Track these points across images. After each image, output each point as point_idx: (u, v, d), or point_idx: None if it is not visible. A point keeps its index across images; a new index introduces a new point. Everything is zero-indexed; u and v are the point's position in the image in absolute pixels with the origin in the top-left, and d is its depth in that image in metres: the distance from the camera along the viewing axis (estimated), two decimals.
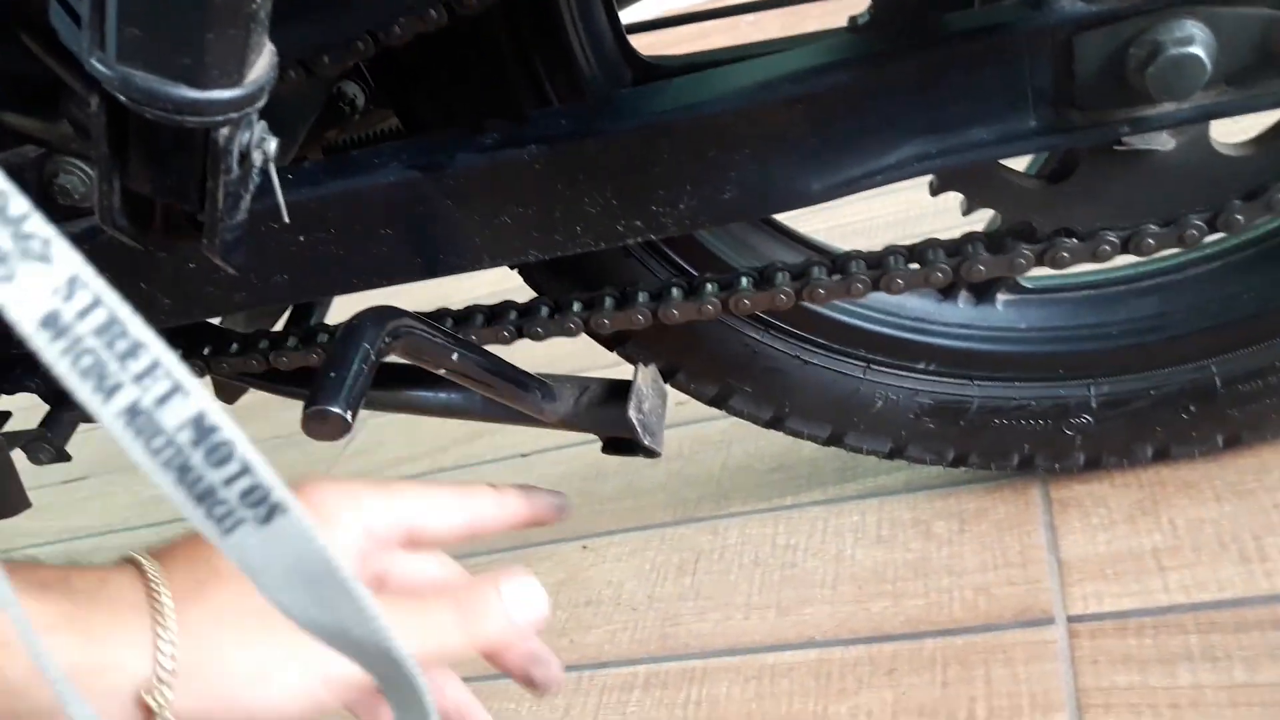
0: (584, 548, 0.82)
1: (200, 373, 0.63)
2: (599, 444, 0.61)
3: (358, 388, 0.43)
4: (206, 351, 0.61)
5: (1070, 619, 0.60)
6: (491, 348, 0.57)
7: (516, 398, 0.56)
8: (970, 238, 0.52)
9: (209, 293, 0.52)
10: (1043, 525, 0.67)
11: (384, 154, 0.47)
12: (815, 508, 0.75)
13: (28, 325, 0.20)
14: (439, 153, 0.47)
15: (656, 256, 0.58)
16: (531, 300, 0.58)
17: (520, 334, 0.58)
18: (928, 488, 0.73)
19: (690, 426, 0.89)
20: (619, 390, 0.58)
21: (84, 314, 0.20)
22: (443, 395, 0.62)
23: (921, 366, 0.63)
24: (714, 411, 0.69)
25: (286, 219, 0.37)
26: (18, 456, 0.68)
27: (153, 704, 0.33)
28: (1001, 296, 0.63)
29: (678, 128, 0.45)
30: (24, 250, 0.20)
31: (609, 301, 0.55)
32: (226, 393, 0.71)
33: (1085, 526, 0.65)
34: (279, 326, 0.67)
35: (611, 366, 0.64)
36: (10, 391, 0.65)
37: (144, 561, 0.36)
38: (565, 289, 0.59)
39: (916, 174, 0.46)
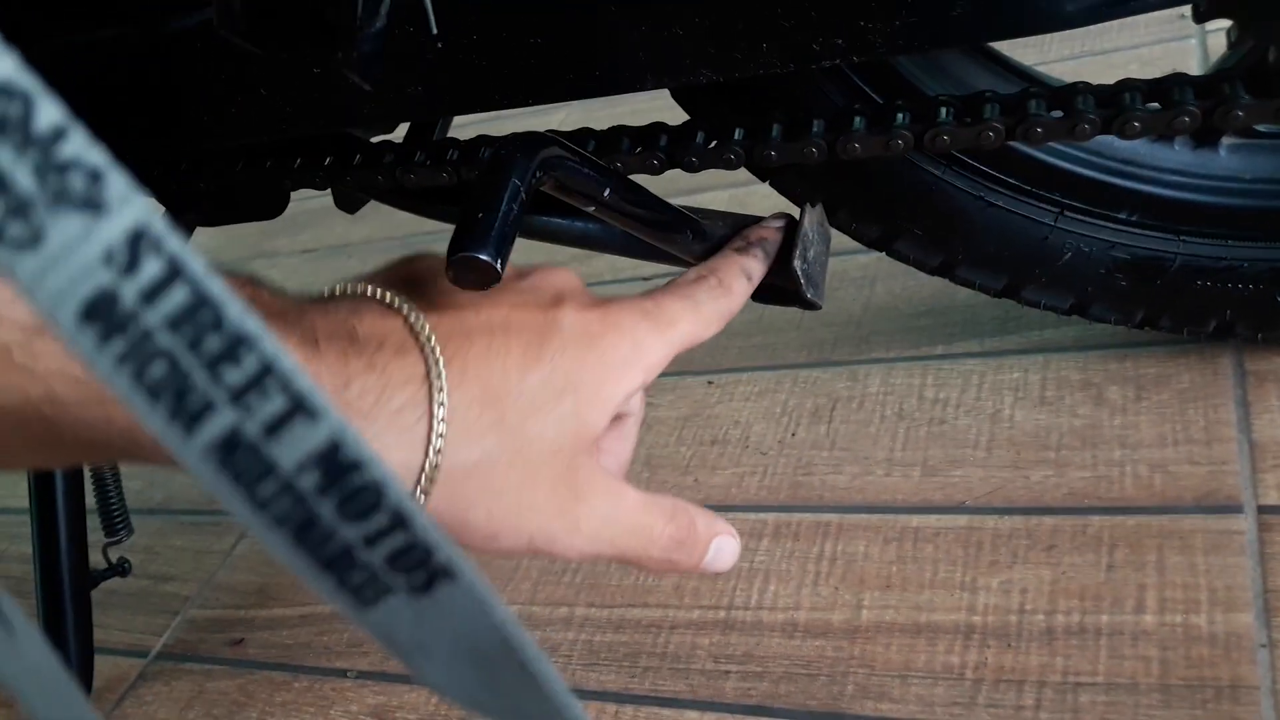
0: (709, 383, 0.78)
1: (322, 186, 0.59)
2: None
3: (508, 230, 0.38)
4: (328, 162, 0.57)
5: (1261, 509, 0.54)
6: (636, 177, 0.51)
7: (665, 238, 0.50)
8: (1226, 75, 0.43)
9: (333, 103, 0.46)
10: (1233, 400, 0.60)
11: None
12: (970, 360, 0.69)
13: (64, 318, 0.13)
14: None
15: (834, 79, 0.51)
16: (687, 124, 0.51)
17: (671, 162, 0.51)
18: (1101, 347, 0.66)
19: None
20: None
21: (154, 294, 0.13)
22: (579, 224, 0.57)
23: (1123, 216, 0.55)
24: (854, 243, 0.61)
25: (435, 28, 0.31)
26: None
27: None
28: (1226, 141, 0.54)
29: None
30: (58, 192, 0.12)
31: (777, 130, 0.48)
32: (346, 203, 0.67)
33: None
34: (400, 138, 0.61)
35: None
36: None
37: (428, 345, 0.31)
38: (724, 112, 0.52)
39: None
